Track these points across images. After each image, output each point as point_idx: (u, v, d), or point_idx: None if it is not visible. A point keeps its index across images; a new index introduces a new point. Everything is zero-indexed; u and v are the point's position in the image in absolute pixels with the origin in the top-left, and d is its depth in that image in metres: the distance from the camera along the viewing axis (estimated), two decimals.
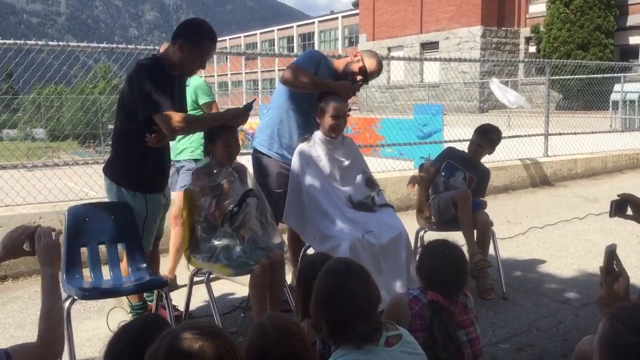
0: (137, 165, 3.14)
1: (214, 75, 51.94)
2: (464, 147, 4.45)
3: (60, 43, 4.99)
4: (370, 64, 3.70)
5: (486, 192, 4.49)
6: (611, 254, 1.94)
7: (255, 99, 3.52)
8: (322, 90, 3.61)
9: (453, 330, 2.23)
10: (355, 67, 3.69)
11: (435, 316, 2.21)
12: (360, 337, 1.86)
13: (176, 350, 1.30)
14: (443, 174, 4.16)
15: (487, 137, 4.17)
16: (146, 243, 3.31)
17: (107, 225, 3.16)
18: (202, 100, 4.45)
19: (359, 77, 3.71)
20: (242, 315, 3.74)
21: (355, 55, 3.76)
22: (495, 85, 8.01)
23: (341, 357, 1.85)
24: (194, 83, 4.41)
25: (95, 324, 3.69)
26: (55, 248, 1.92)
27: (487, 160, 4.44)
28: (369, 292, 1.92)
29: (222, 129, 3.23)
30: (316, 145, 3.61)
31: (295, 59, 3.85)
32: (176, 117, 2.98)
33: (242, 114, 3.27)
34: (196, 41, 3.08)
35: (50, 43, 4.94)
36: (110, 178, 3.24)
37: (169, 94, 3.07)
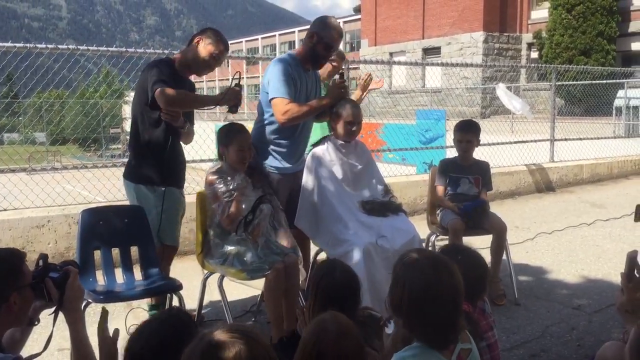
0: (154, 159, 3.25)
1: (214, 80, 52.07)
2: None
3: (70, 46, 4.98)
4: (329, 37, 3.45)
5: (492, 198, 4.47)
6: (633, 261, 1.96)
7: (239, 72, 3.33)
8: (320, 111, 3.55)
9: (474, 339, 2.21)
10: (320, 48, 3.46)
11: None
12: (443, 341, 1.76)
13: (212, 353, 1.29)
14: (448, 188, 4.19)
15: (471, 130, 4.21)
16: (171, 236, 3.38)
17: (121, 228, 3.17)
18: None
19: (331, 54, 3.60)
20: (253, 319, 3.72)
21: (312, 37, 3.46)
22: (502, 90, 8.01)
23: (411, 358, 1.75)
24: None
25: None
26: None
27: (492, 166, 4.46)
28: (461, 294, 1.78)
29: (236, 133, 3.23)
30: (330, 150, 3.59)
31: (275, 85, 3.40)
32: (169, 91, 3.07)
33: (231, 92, 3.25)
34: (214, 40, 3.25)
35: (60, 47, 4.95)
36: (129, 179, 3.33)
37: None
